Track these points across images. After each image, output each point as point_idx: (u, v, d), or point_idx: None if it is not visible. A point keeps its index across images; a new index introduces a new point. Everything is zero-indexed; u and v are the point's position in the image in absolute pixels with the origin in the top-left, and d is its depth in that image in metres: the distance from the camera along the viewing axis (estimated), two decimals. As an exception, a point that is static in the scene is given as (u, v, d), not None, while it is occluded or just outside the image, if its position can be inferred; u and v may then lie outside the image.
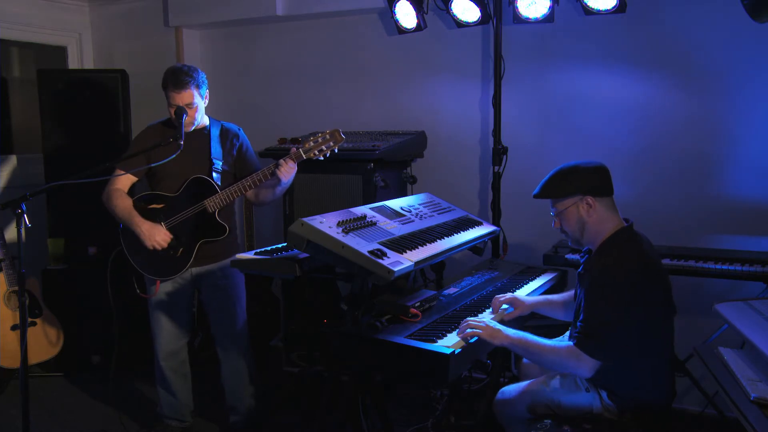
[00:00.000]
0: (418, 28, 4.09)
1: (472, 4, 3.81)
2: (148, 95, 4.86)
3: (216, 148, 3.33)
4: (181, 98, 3.19)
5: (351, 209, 2.79)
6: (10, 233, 4.39)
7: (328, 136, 3.11)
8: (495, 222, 3.95)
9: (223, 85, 4.95)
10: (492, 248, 4.00)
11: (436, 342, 2.34)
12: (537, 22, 3.73)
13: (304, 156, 3.12)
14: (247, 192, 3.23)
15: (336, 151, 3.14)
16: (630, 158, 3.81)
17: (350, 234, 2.51)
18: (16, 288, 4.03)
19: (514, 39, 4.00)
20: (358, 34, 4.58)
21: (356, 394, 2.67)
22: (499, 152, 3.94)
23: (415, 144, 4.21)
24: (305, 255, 2.62)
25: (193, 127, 3.32)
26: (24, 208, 2.69)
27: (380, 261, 2.35)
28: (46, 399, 4.17)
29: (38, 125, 4.64)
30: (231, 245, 3.41)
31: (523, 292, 2.98)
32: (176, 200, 3.27)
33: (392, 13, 4.08)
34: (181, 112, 3.17)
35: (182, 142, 3.05)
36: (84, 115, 4.63)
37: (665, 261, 3.22)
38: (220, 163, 3.32)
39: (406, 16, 4.08)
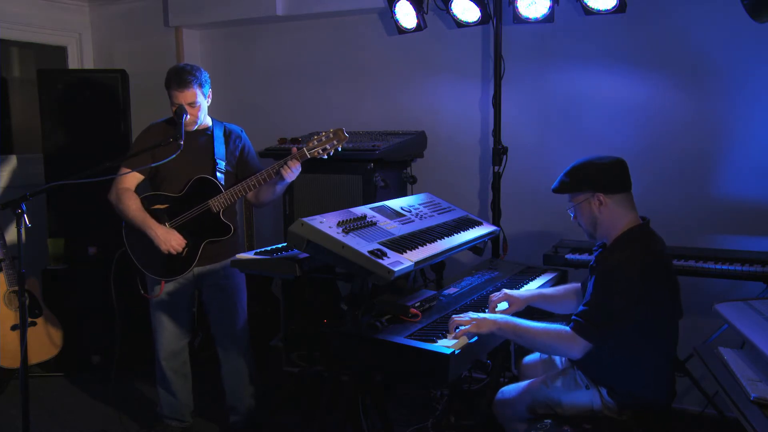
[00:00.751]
0: (418, 28, 4.09)
1: (472, 4, 3.81)
2: (148, 95, 4.87)
3: (219, 149, 3.34)
4: (184, 97, 3.19)
5: (351, 209, 2.79)
6: (10, 233, 4.39)
7: (331, 135, 3.11)
8: (495, 222, 3.95)
9: (223, 85, 4.94)
10: (492, 248, 4.00)
11: (436, 342, 2.34)
12: (537, 22, 3.73)
13: (308, 155, 3.12)
14: (249, 192, 3.22)
15: (339, 150, 3.14)
16: (630, 158, 3.64)
17: (350, 234, 2.51)
18: (16, 288, 4.04)
19: (514, 39, 4.00)
20: (358, 34, 4.58)
21: (356, 394, 2.67)
22: (499, 152, 3.94)
23: (415, 144, 4.22)
24: (305, 255, 2.62)
25: (196, 127, 3.33)
26: (24, 208, 2.69)
27: (380, 261, 2.35)
28: (46, 399, 4.17)
29: (38, 125, 4.64)
30: (233, 245, 3.41)
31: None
32: (180, 200, 3.27)
33: (392, 13, 4.08)
34: (181, 111, 3.18)
35: (182, 142, 3.05)
36: (84, 115, 4.63)
37: (665, 261, 3.21)
38: (224, 164, 3.33)
39: (406, 16, 4.08)
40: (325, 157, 3.14)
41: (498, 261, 3.81)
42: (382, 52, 4.51)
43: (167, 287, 3.34)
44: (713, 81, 3.62)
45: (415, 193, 3.62)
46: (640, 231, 2.46)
